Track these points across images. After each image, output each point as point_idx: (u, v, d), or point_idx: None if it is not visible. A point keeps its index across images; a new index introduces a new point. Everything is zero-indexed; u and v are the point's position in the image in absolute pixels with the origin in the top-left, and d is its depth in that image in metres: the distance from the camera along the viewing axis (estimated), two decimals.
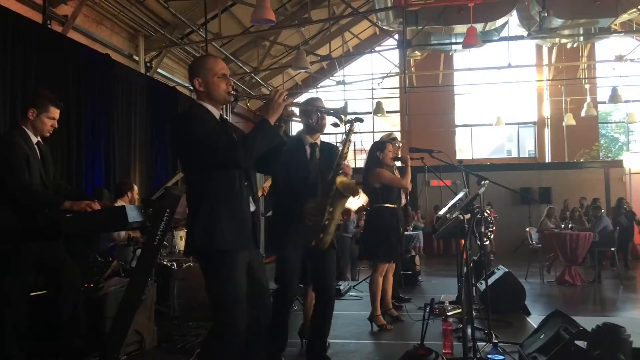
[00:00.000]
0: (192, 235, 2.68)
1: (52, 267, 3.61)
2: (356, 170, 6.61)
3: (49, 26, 6.73)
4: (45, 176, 3.59)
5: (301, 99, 17.45)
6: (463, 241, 3.89)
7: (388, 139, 5.55)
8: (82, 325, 3.72)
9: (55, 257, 3.61)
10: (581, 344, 3.35)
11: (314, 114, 3.59)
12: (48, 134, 3.66)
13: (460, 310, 3.97)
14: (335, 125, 3.83)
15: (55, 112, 3.63)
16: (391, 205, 5.18)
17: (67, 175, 6.35)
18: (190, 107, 2.77)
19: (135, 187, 6.09)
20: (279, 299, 3.57)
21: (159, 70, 9.97)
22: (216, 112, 2.74)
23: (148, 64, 9.64)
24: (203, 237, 2.62)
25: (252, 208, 2.76)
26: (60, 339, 3.64)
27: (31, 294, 3.71)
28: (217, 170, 2.61)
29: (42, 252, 3.53)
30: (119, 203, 5.51)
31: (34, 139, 3.59)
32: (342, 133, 3.60)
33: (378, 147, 5.27)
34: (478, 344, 4.02)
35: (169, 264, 5.47)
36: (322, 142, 3.85)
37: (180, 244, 5.76)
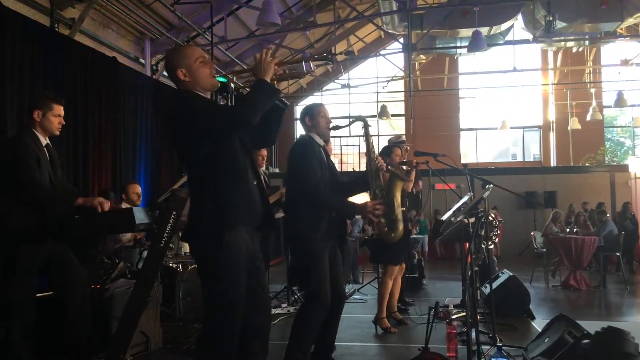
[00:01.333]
0: (196, 218, 2.54)
1: (59, 268, 3.63)
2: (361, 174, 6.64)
3: (57, 29, 6.78)
4: (54, 178, 3.62)
5: (306, 102, 17.53)
6: (468, 245, 3.89)
7: (397, 141, 5.57)
8: (88, 326, 3.74)
9: (63, 258, 3.63)
10: (585, 347, 3.34)
11: (322, 118, 3.64)
12: (58, 132, 3.70)
13: (464, 313, 3.97)
14: (335, 128, 3.88)
15: (59, 109, 3.68)
16: None
17: (74, 177, 6.39)
18: (178, 92, 2.63)
19: (132, 187, 5.87)
20: (319, 304, 3.42)
21: (164, 73, 10.01)
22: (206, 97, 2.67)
23: (154, 67, 9.70)
24: (213, 217, 2.49)
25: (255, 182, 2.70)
26: (67, 340, 3.66)
27: (38, 294, 3.74)
28: (219, 151, 2.52)
29: (49, 252, 3.56)
30: (124, 206, 5.53)
31: (43, 141, 3.62)
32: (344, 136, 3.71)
33: (385, 152, 5.30)
34: (482, 347, 4.02)
35: (174, 266, 5.49)
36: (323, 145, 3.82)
37: (186, 246, 5.79)
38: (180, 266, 5.52)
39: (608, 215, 10.32)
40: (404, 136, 8.02)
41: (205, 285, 2.59)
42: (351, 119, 3.94)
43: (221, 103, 8.70)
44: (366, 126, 3.76)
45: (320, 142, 3.70)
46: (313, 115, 3.68)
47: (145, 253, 5.07)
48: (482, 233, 5.22)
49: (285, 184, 3.95)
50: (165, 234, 3.39)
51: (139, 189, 5.96)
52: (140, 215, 3.39)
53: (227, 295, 2.50)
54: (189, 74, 2.57)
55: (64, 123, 3.73)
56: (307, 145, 3.61)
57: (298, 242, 3.53)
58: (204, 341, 2.63)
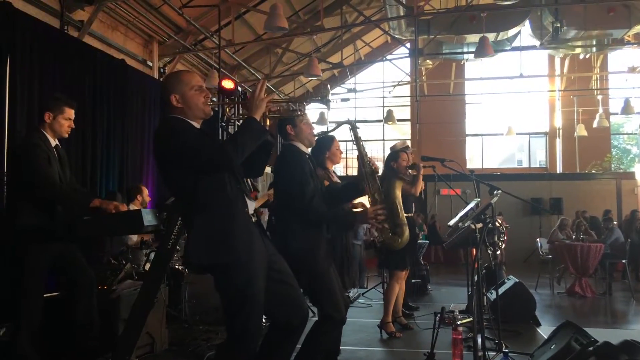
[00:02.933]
0: (190, 252, 2.54)
1: (68, 268, 3.65)
2: None
3: (66, 31, 6.82)
4: (63, 178, 3.65)
5: (312, 106, 17.50)
6: (475, 250, 3.89)
7: (402, 147, 5.57)
8: (95, 327, 3.75)
9: (71, 258, 3.65)
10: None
11: (305, 125, 3.39)
12: (67, 135, 3.74)
13: (470, 319, 3.96)
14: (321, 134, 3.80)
15: (71, 113, 3.71)
16: (406, 214, 5.23)
17: (82, 178, 6.41)
18: (168, 121, 2.60)
19: (145, 190, 6.10)
20: (334, 325, 3.25)
21: None
22: (196, 126, 2.62)
23: (161, 70, 9.74)
24: (206, 253, 2.48)
25: (251, 209, 2.66)
26: (74, 340, 3.68)
27: (45, 295, 3.75)
28: (206, 180, 2.49)
29: (58, 253, 3.58)
30: (132, 207, 5.56)
31: (53, 142, 3.65)
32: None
33: (392, 157, 5.31)
34: (488, 353, 4.01)
35: (180, 268, 5.51)
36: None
37: None
38: (186, 268, 5.53)
39: (615, 222, 10.28)
40: (408, 142, 8.03)
41: (222, 296, 2.57)
42: (338, 123, 3.70)
43: (227, 109, 8.72)
44: (354, 128, 3.49)
45: (307, 150, 3.45)
46: (294, 123, 3.39)
47: (152, 255, 5.09)
48: (494, 239, 5.20)
49: (275, 196, 3.74)
50: (173, 236, 3.41)
51: (146, 191, 6.10)
52: (148, 217, 3.40)
53: (245, 299, 2.49)
54: (182, 101, 2.56)
55: (73, 127, 3.76)
56: (296, 156, 3.28)
57: (300, 265, 3.08)
58: (226, 347, 2.61)
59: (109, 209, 3.47)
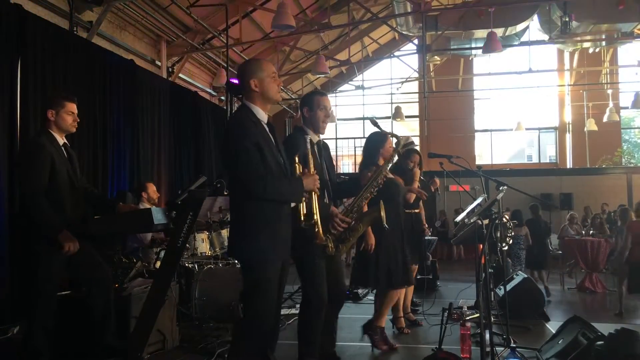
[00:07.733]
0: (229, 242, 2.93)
1: (82, 267, 3.68)
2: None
3: (75, 32, 6.89)
4: (74, 177, 3.69)
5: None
6: (481, 246, 3.89)
7: (406, 143, 5.55)
8: (113, 324, 3.79)
9: (85, 256, 3.68)
10: (598, 349, 3.34)
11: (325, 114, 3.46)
12: (74, 129, 3.75)
13: (478, 315, 3.97)
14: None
15: (72, 106, 3.72)
16: (409, 210, 5.24)
17: (93, 179, 6.49)
18: (241, 110, 2.82)
19: (151, 186, 6.07)
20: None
21: (180, 75, 10.14)
22: (264, 116, 2.84)
23: (170, 69, 9.81)
24: (238, 248, 2.82)
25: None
26: (93, 338, 3.72)
27: (59, 293, 3.80)
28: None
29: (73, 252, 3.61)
30: (142, 206, 5.61)
31: (61, 141, 3.69)
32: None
33: (404, 155, 5.29)
34: (496, 348, 4.02)
35: (190, 266, 5.56)
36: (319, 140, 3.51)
37: (202, 247, 5.86)
38: (197, 266, 5.58)
39: None
40: (414, 139, 7.96)
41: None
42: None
43: (236, 105, 8.78)
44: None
45: (315, 137, 3.42)
46: (312, 106, 3.42)
47: (162, 253, 5.14)
48: (500, 235, 5.19)
49: None
50: (182, 234, 3.46)
51: (154, 187, 6.12)
52: (158, 216, 3.45)
53: (264, 308, 2.75)
54: (260, 86, 2.79)
55: (78, 120, 3.78)
56: (300, 144, 3.16)
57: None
58: (241, 326, 2.85)
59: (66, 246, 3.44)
